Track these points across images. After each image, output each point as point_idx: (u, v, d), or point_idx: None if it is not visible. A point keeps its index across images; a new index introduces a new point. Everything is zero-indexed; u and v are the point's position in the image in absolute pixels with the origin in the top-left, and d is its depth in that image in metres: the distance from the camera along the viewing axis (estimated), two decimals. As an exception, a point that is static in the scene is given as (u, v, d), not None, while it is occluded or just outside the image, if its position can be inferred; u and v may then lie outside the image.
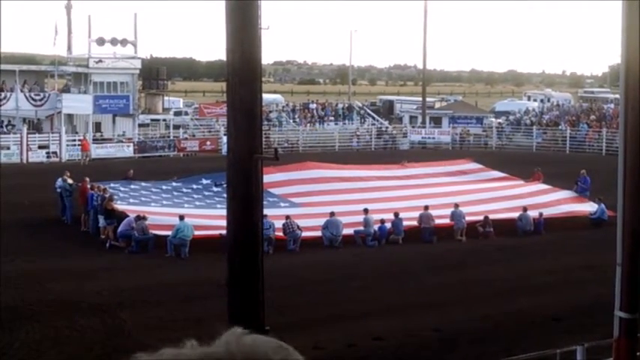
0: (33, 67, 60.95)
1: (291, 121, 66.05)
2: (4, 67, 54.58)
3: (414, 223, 29.88)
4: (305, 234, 28.29)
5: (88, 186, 30.74)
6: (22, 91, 54.00)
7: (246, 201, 11.10)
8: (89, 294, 21.57)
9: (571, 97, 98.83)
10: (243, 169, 11.02)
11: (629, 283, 10.96)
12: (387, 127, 67.60)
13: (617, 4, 10.79)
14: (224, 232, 11.69)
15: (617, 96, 12.82)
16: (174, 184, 33.54)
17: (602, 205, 31.70)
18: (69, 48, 60.55)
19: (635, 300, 10.97)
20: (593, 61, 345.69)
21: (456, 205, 30.72)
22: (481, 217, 30.72)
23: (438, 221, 30.05)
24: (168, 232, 26.83)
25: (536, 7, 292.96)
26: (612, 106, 69.28)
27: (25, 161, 49.59)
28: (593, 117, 64.71)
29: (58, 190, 31.59)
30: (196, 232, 26.70)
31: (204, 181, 33.22)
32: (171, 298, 21.43)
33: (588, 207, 33.24)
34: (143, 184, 33.36)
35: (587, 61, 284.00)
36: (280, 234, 27.73)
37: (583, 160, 47.10)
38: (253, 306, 11.28)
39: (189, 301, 20.95)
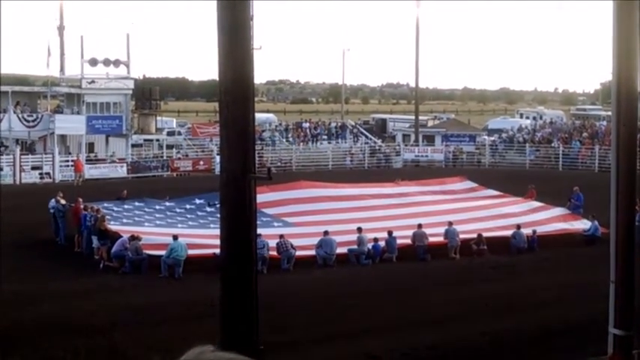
0: (26, 88, 60.89)
1: (284, 140, 66.13)
2: (-4, 88, 54.60)
3: (408, 241, 29.90)
4: (299, 253, 28.27)
5: (81, 206, 30.70)
6: (14, 112, 53.97)
7: (239, 220, 11.09)
8: (83, 315, 21.47)
9: (563, 114, 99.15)
10: (236, 188, 11.02)
11: (623, 300, 10.96)
12: (380, 146, 67.71)
13: (608, 21, 10.85)
14: (218, 251, 11.66)
15: (609, 113, 12.85)
16: (167, 203, 33.54)
17: (596, 222, 31.76)
18: (61, 69, 60.58)
19: (629, 317, 10.98)
20: (585, 78, 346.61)
21: (450, 223, 30.76)
22: (475, 235, 30.75)
23: (431, 239, 30.08)
24: (162, 252, 26.78)
25: (528, 25, 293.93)
26: (604, 123, 69.50)
27: (18, 182, 49.51)
28: (585, 134, 64.89)
29: (52, 210, 31.55)
30: (190, 252, 26.66)
31: (198, 201, 33.24)
32: (166, 318, 21.34)
33: (581, 224, 33.29)
34: (137, 203, 33.35)
35: (580, 78, 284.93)
36: (274, 253, 27.70)
37: (576, 177, 47.17)
38: (247, 325, 11.26)
39: (184, 321, 20.85)
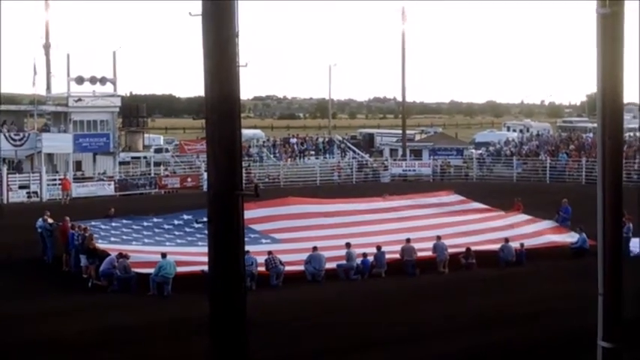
0: (12, 107, 60.77)
1: (272, 156, 66.17)
2: (-17, 107, 54.56)
3: (397, 256, 29.90)
4: (288, 268, 28.23)
5: (69, 225, 30.60)
6: (1, 131, 53.86)
7: (227, 238, 11.07)
8: (72, 334, 21.37)
9: (550, 127, 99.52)
10: (223, 205, 11.00)
11: (612, 312, 10.97)
12: (367, 161, 67.79)
13: (592, 33, 10.89)
14: (206, 268, 11.64)
15: (596, 125, 13.00)
16: (155, 220, 33.45)
17: (584, 235, 31.83)
18: (48, 87, 60.60)
19: (617, 329, 10.98)
20: (572, 90, 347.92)
21: (438, 238, 30.78)
22: (463, 249, 30.78)
23: (420, 254, 30.08)
24: (151, 270, 26.69)
25: (514, 37, 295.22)
26: (591, 135, 69.81)
27: (5, 201, 49.41)
28: (572, 146, 65.15)
29: (39, 230, 31.44)
30: (179, 269, 26.58)
31: (185, 217, 33.16)
32: (155, 337, 21.28)
33: (569, 237, 33.35)
34: (124, 221, 33.26)
35: (566, 90, 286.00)
36: (263, 269, 27.65)
37: (563, 189, 47.38)
38: (236, 342, 11.23)
39: (174, 340, 20.78)
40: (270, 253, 28.14)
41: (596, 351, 11.06)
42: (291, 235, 32.13)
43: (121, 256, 27.30)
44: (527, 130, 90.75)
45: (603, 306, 11.02)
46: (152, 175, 57.16)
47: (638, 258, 29.95)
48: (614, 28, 10.78)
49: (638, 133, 75.80)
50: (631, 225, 30.88)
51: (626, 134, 67.82)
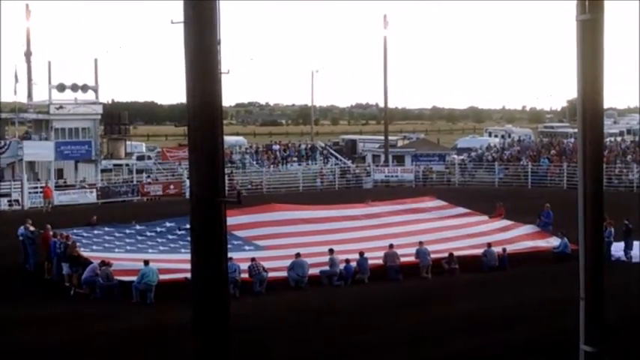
0: (-7, 115, 60.56)
1: (255, 162, 66.11)
2: (-37, 115, 54.35)
3: (380, 261, 29.93)
4: (271, 275, 28.20)
5: (51, 233, 30.48)
6: (-18, 139, 53.64)
7: (210, 245, 11.07)
8: (55, 342, 21.29)
9: (531, 132, 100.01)
10: (206, 213, 11.01)
11: (594, 316, 11.02)
12: (350, 167, 67.83)
13: (573, 39, 10.96)
14: (189, 275, 11.63)
15: (577, 130, 13.08)
16: (137, 227, 33.36)
17: (565, 239, 31.98)
18: (29, 95, 60.38)
19: (599, 333, 11.03)
20: (553, 96, 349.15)
21: (420, 243, 30.81)
22: (446, 254, 30.86)
23: (403, 259, 30.13)
24: (133, 278, 26.61)
25: (495, 43, 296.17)
26: (572, 140, 70.18)
27: (-14, 210, 49.14)
28: (553, 152, 65.48)
29: (21, 237, 31.30)
30: (161, 277, 26.51)
31: (168, 224, 33.09)
32: (138, 345, 21.20)
33: (551, 241, 33.48)
34: (106, 228, 33.15)
35: (547, 96, 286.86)
36: (246, 276, 27.61)
37: (545, 194, 47.54)
38: (220, 349, 11.23)
39: (157, 347, 20.73)
40: (253, 259, 28.11)
41: (578, 355, 11.11)
42: (274, 242, 32.11)
43: (104, 263, 27.22)
44: (509, 136, 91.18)
45: (585, 310, 11.08)
46: (134, 182, 56.98)
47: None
48: (594, 35, 10.85)
49: (618, 138, 76.31)
50: (612, 229, 31.06)
51: (607, 139, 68.28)
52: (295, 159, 68.12)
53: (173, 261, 28.37)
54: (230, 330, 11.30)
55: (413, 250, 30.62)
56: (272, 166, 65.33)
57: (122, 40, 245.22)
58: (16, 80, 57.67)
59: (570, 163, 57.42)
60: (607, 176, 52.94)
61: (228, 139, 72.88)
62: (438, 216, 36.75)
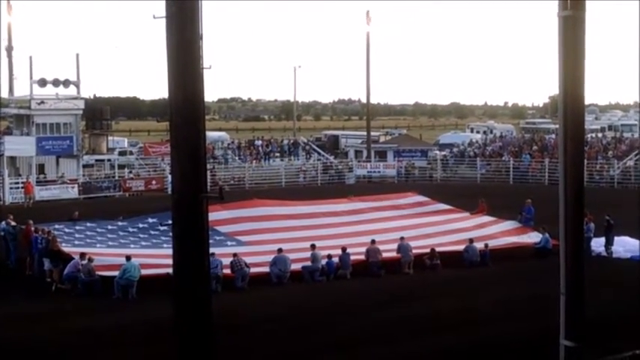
0: (-26, 110, 60.20)
1: (237, 158, 66.06)
2: (-56, 111, 54.00)
3: (362, 257, 29.97)
4: (253, 270, 28.19)
5: (32, 229, 30.35)
6: (-37, 134, 53.32)
7: (192, 240, 11.07)
8: (36, 339, 21.20)
9: (513, 128, 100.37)
10: (188, 208, 11.00)
11: (574, 311, 11.09)
12: (332, 162, 67.87)
13: (554, 35, 11.00)
14: (171, 271, 11.61)
15: (558, 126, 13.11)
16: (119, 223, 33.30)
17: (547, 235, 32.12)
18: (10, 90, 60.03)
19: (579, 328, 11.11)
20: (535, 91, 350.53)
21: (402, 239, 30.85)
22: (428, 250, 30.93)
23: (385, 255, 30.16)
24: (115, 273, 26.53)
25: (477, 39, 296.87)
26: (554, 136, 70.43)
27: (-33, 205, 48.87)
28: (535, 147, 65.74)
29: (2, 233, 31.15)
30: (143, 272, 26.44)
31: (150, 220, 33.04)
32: (121, 341, 21.15)
33: (533, 237, 33.61)
34: (88, 224, 33.06)
35: (529, 92, 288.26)
36: (228, 271, 27.59)
37: (526, 190, 47.70)
38: (203, 346, 11.23)
39: (139, 343, 20.70)
40: (235, 255, 28.09)
41: (558, 349, 11.18)
42: (256, 238, 32.11)
43: (84, 256, 27.06)
44: (491, 132, 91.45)
45: (565, 305, 11.15)
46: (116, 177, 56.86)
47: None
48: (576, 31, 10.91)
49: (600, 135, 76.62)
50: (592, 225, 31.24)
51: (588, 135, 68.57)
52: (278, 154, 68.15)
53: (155, 256, 28.30)
54: (212, 326, 11.29)
55: (395, 245, 30.66)
56: (254, 161, 65.33)
57: (104, 36, 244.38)
58: (-3, 75, 57.31)
59: (552, 159, 57.62)
60: (588, 172, 53.20)
61: (211, 135, 72.82)
62: (420, 212, 36.84)
